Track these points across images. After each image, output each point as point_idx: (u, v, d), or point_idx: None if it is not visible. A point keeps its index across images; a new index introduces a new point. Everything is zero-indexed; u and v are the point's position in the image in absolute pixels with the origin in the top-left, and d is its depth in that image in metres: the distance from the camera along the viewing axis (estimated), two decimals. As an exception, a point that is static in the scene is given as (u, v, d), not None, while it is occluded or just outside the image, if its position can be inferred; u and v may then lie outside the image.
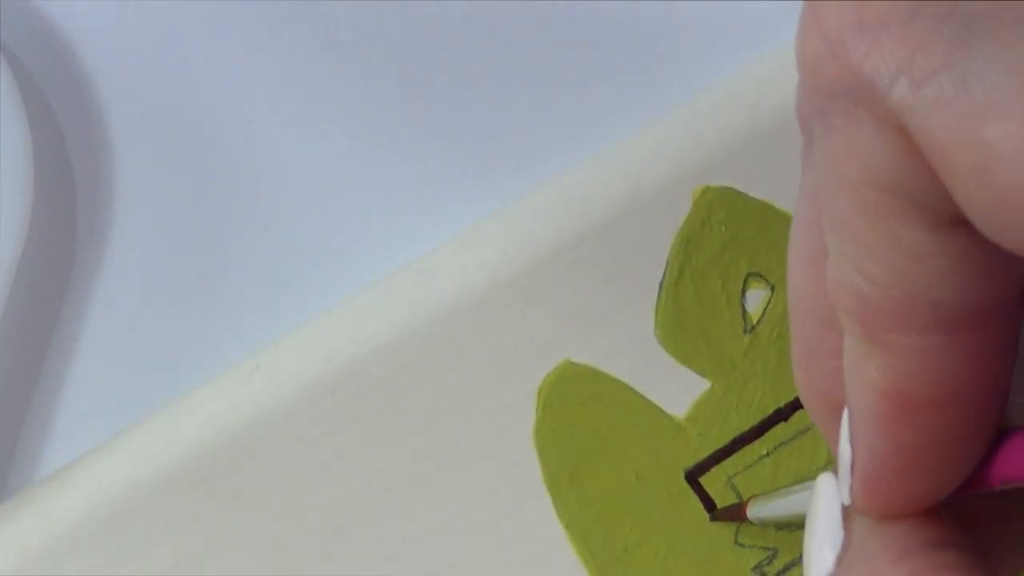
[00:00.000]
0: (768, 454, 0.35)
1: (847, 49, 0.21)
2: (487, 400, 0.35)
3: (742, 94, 0.36)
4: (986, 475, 0.23)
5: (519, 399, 0.35)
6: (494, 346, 0.35)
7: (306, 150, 0.38)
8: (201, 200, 0.38)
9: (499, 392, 0.35)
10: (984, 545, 0.25)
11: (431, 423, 0.35)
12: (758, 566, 0.34)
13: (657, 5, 0.38)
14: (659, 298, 0.35)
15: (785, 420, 0.35)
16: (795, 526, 0.34)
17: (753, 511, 0.33)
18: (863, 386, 0.23)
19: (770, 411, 0.35)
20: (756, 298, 0.35)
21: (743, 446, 0.35)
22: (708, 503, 0.35)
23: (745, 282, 0.35)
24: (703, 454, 0.35)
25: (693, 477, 0.35)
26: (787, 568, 0.34)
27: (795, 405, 0.35)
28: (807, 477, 0.33)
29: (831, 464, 0.31)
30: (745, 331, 0.35)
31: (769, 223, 0.35)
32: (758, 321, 0.35)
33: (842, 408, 0.24)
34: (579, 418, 0.35)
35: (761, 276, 0.35)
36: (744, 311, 0.35)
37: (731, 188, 0.35)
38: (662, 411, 0.35)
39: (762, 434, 0.35)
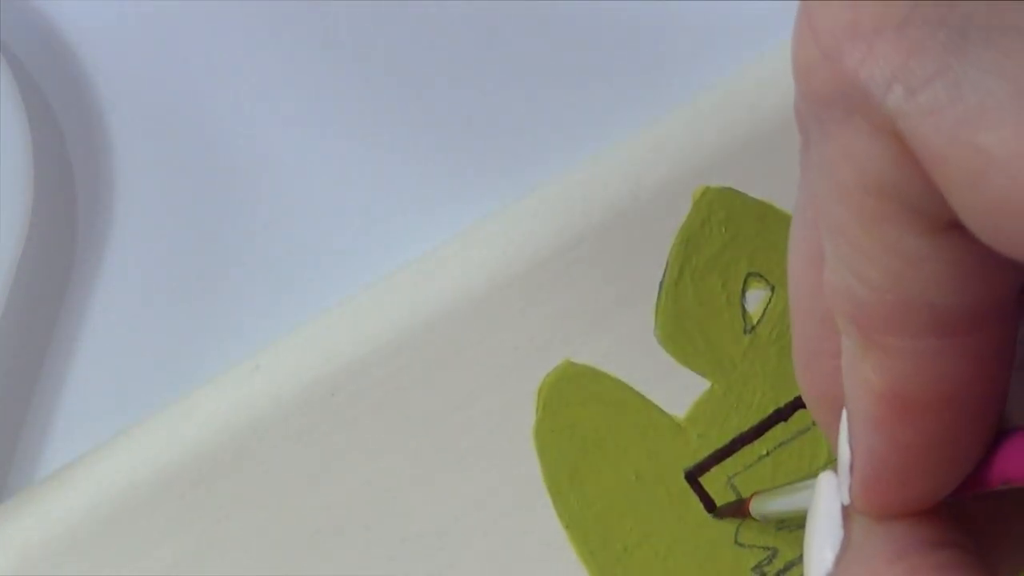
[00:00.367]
0: (768, 454, 0.35)
1: (841, 55, 0.21)
2: (487, 400, 0.35)
3: (742, 94, 0.36)
4: (985, 475, 0.23)
5: (519, 399, 0.35)
6: (494, 346, 0.35)
7: (306, 150, 0.38)
8: (201, 200, 0.38)
9: (499, 392, 0.35)
10: (983, 545, 0.25)
11: (431, 423, 0.35)
12: (758, 566, 0.34)
13: (657, 5, 0.38)
14: (659, 298, 0.35)
15: (785, 420, 0.35)
16: (796, 524, 0.34)
17: (756, 507, 0.33)
18: (860, 387, 0.23)
19: (770, 411, 0.35)
20: (756, 298, 0.35)
21: (743, 446, 0.35)
22: (708, 503, 0.35)
23: (745, 282, 0.35)
24: (703, 454, 0.35)
25: (693, 477, 0.35)
26: (787, 568, 0.34)
27: (795, 405, 0.35)
28: (807, 477, 0.33)
29: (831, 464, 0.31)
30: (745, 331, 0.35)
31: (769, 223, 0.35)
32: (758, 321, 0.35)
33: (843, 407, 0.24)
34: (579, 418, 0.35)
35: (761, 276, 0.35)
36: (744, 311, 0.35)
37: (731, 188, 0.35)
38: (662, 411, 0.35)
39: (762, 434, 0.35)
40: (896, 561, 0.24)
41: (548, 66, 0.38)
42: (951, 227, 0.21)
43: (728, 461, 0.35)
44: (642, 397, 0.35)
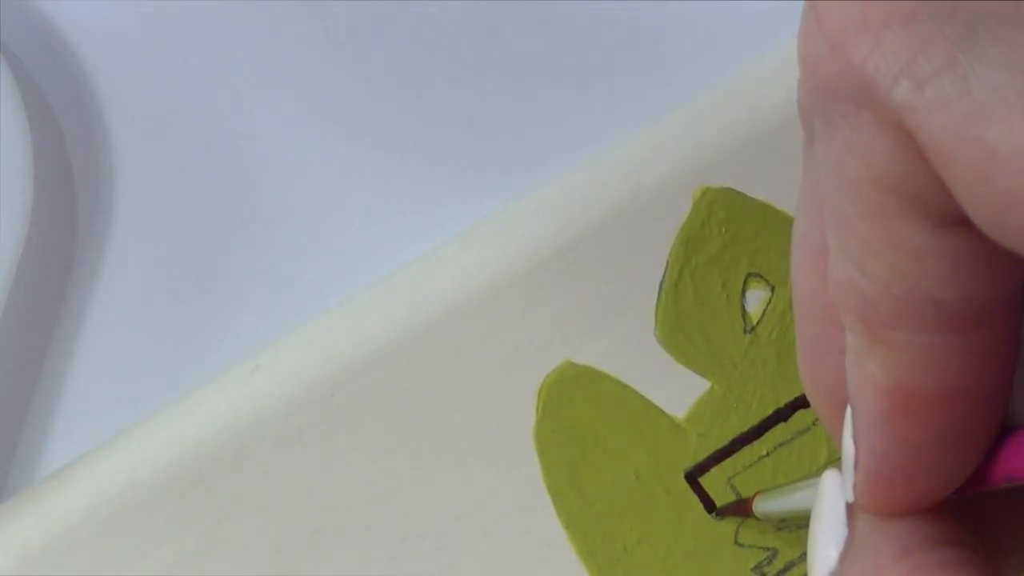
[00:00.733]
0: (768, 454, 0.35)
1: (849, 49, 0.21)
2: (487, 400, 0.35)
3: (742, 94, 0.36)
4: (989, 473, 0.23)
5: (519, 399, 0.35)
6: (494, 346, 0.35)
7: (306, 150, 0.38)
8: (201, 200, 0.38)
9: (499, 392, 0.35)
10: (987, 543, 0.25)
11: (431, 423, 0.35)
12: (758, 566, 0.34)
13: (657, 5, 0.38)
14: (659, 298, 0.35)
15: (785, 420, 0.35)
16: (796, 525, 0.34)
17: (759, 506, 0.33)
18: (865, 383, 0.23)
19: (770, 411, 0.35)
20: (756, 298, 0.35)
21: (743, 446, 0.35)
22: (708, 503, 0.35)
23: (745, 282, 0.35)
24: (703, 454, 0.35)
25: (693, 477, 0.35)
26: (787, 568, 0.34)
27: (795, 405, 0.35)
28: (809, 477, 0.33)
29: (831, 464, 0.31)
30: (745, 331, 0.35)
31: (769, 223, 0.35)
32: (758, 321, 0.35)
33: (847, 404, 0.24)
34: (579, 418, 0.35)
35: (761, 276, 0.35)
36: (744, 311, 0.35)
37: (731, 188, 0.35)
38: (662, 411, 0.35)
39: (762, 434, 0.35)
40: (900, 559, 0.24)
41: (548, 66, 0.38)
42: (957, 222, 0.21)
43: (728, 461, 0.35)
44: (642, 397, 0.35)
